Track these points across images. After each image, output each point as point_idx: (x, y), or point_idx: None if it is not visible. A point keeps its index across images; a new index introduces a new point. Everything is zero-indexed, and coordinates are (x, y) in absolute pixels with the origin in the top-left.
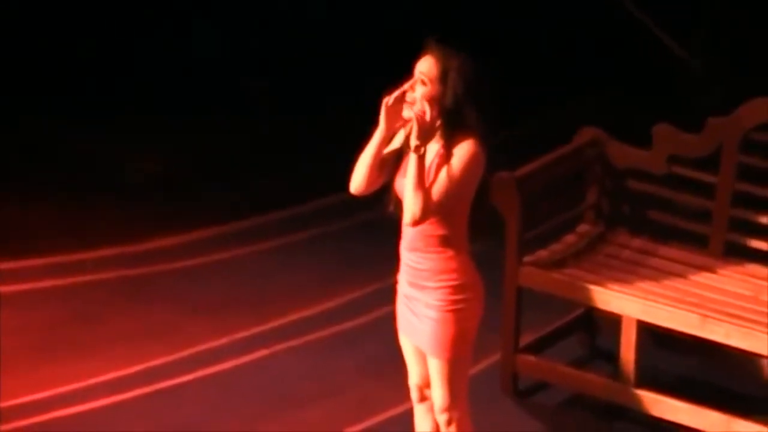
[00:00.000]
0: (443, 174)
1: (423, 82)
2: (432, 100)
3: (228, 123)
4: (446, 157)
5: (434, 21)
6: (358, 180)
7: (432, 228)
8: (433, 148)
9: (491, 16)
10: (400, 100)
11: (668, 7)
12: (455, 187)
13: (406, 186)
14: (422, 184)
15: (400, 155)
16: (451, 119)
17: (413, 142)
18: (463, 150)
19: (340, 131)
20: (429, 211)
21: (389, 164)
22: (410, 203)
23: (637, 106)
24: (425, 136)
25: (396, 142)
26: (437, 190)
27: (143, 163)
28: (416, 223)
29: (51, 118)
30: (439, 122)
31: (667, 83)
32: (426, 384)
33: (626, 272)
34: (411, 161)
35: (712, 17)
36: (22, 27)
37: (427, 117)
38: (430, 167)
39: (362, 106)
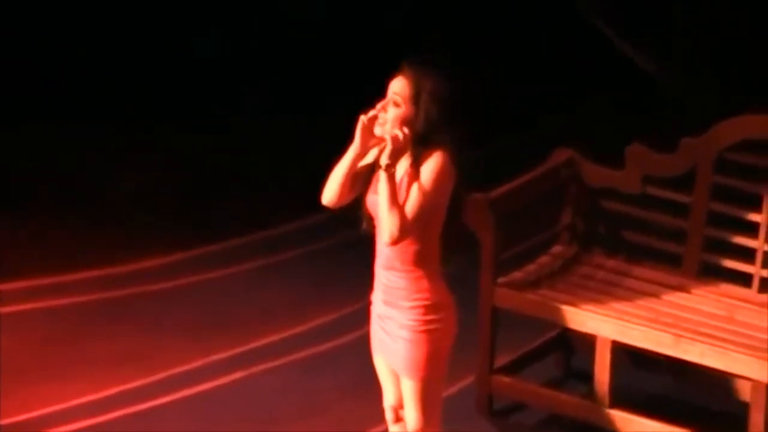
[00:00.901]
0: (414, 190)
1: (396, 103)
2: (405, 121)
3: (202, 146)
4: (415, 173)
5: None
6: (330, 193)
7: (407, 244)
8: (403, 165)
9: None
10: (376, 118)
11: (643, 28)
12: (428, 200)
13: (380, 206)
14: (396, 202)
15: (371, 171)
16: (422, 139)
17: (384, 161)
18: (432, 164)
19: (313, 154)
20: (407, 228)
21: (362, 179)
22: (387, 223)
23: (611, 126)
24: (397, 156)
25: (369, 157)
26: (411, 207)
27: (121, 185)
28: (396, 242)
29: (29, 138)
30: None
31: (641, 102)
32: (401, 405)
33: (601, 293)
34: (382, 181)
35: (688, 37)
36: None
37: (400, 137)
38: (400, 184)
39: (334, 131)
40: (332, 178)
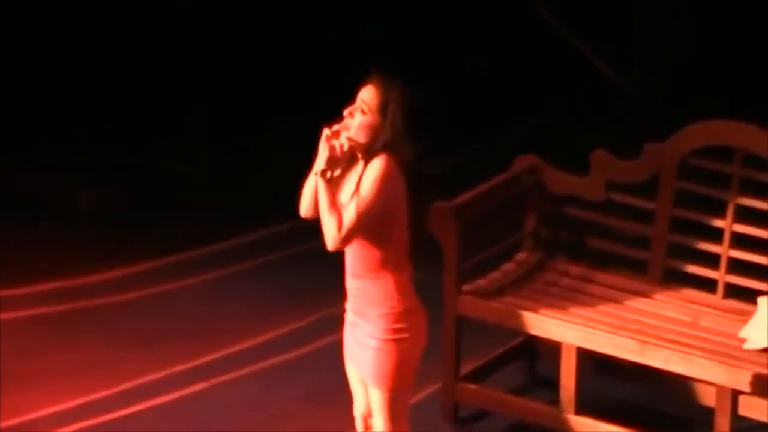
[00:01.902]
0: (356, 196)
1: (363, 111)
2: (369, 129)
3: (165, 156)
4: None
5: (369, 49)
6: (305, 205)
7: (370, 252)
8: (358, 170)
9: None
10: (339, 132)
11: (604, 34)
12: (366, 205)
13: (320, 212)
14: (334, 208)
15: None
16: (383, 148)
17: (318, 166)
18: (371, 169)
19: (279, 161)
20: (347, 234)
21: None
22: (326, 228)
23: (573, 132)
24: (334, 163)
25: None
26: (350, 213)
27: (82, 196)
28: (337, 247)
29: None
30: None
31: (603, 108)
32: (370, 413)
33: (565, 299)
34: (319, 187)
35: (649, 42)
36: None
37: (336, 148)
38: (354, 191)
39: (302, 137)
40: (305, 191)
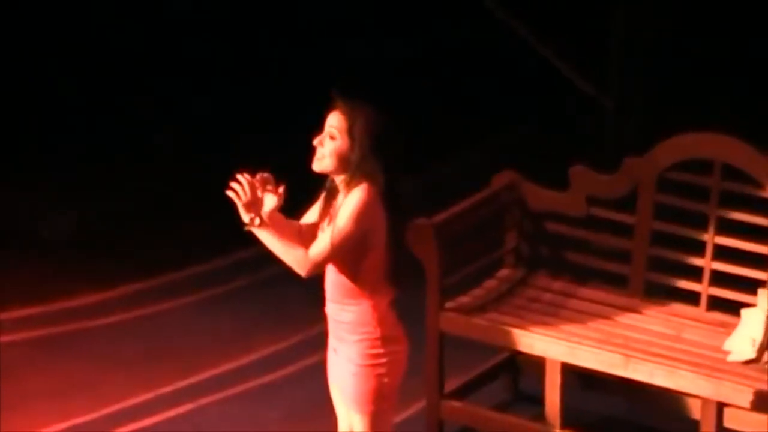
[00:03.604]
0: (332, 224)
1: (332, 137)
2: (342, 154)
3: (139, 176)
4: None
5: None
6: (293, 266)
7: (345, 279)
8: (341, 199)
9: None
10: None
11: (579, 48)
12: (341, 236)
13: (278, 255)
14: (285, 246)
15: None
16: (356, 172)
17: (245, 219)
18: (351, 199)
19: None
20: (319, 260)
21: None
22: (290, 264)
23: (550, 148)
24: (251, 207)
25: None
26: (324, 241)
27: (58, 221)
28: (308, 275)
29: None
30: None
31: (579, 123)
32: None
33: (548, 315)
34: (259, 236)
35: (625, 56)
36: None
37: (242, 197)
38: (332, 217)
39: (284, 155)
40: (283, 258)
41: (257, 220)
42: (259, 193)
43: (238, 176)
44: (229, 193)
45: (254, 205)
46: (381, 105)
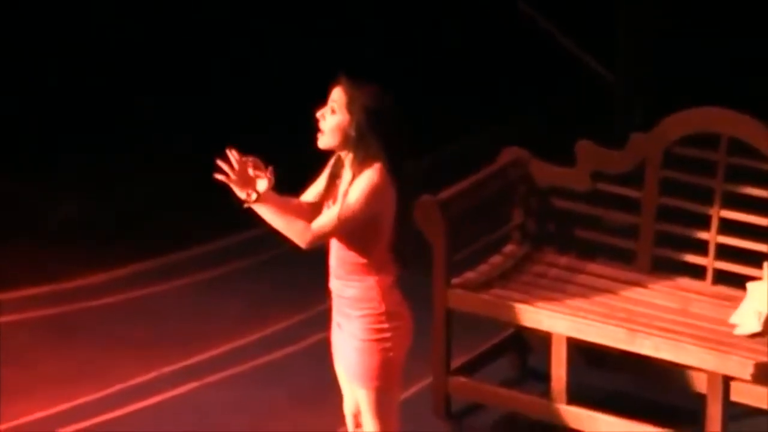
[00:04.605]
0: (340, 201)
1: (333, 111)
2: (342, 128)
3: (143, 159)
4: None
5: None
6: (294, 239)
7: (351, 256)
8: (347, 176)
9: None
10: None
11: (588, 28)
12: (350, 213)
13: (279, 229)
14: (288, 216)
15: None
16: (357, 148)
17: (241, 197)
18: (361, 180)
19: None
20: (322, 233)
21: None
22: (292, 237)
23: (560, 128)
24: (244, 184)
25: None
26: (332, 214)
27: (61, 204)
28: (308, 246)
29: None
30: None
31: (589, 103)
32: (360, 411)
33: (554, 290)
34: (259, 211)
35: (633, 36)
36: None
37: (232, 176)
38: (343, 196)
39: (292, 136)
40: (283, 232)
41: (254, 195)
42: (250, 171)
43: (226, 152)
44: (219, 176)
45: (247, 181)
46: (385, 86)
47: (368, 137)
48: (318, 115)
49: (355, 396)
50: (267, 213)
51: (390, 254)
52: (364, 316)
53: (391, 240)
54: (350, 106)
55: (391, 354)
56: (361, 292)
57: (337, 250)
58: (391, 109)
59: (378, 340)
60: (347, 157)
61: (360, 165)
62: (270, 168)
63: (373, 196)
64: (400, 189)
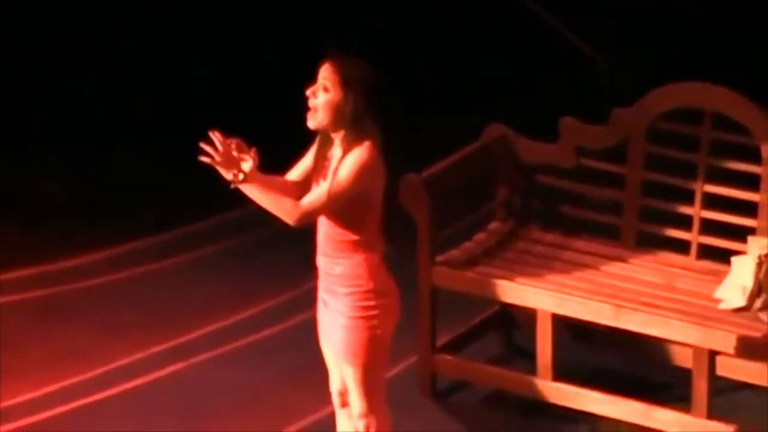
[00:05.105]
0: (330, 178)
1: (325, 89)
2: (334, 106)
3: (130, 141)
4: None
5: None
6: (283, 217)
7: (339, 233)
8: (337, 154)
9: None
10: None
11: (573, 5)
12: (339, 189)
13: (266, 207)
14: (274, 194)
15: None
16: (351, 126)
17: (228, 179)
18: (352, 157)
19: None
20: (311, 209)
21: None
22: (280, 215)
23: (542, 104)
24: (229, 165)
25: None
26: (321, 190)
27: (47, 185)
28: (296, 223)
29: None
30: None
31: (574, 80)
32: (347, 390)
33: (540, 267)
34: (246, 191)
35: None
36: None
37: (217, 158)
38: (334, 172)
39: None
40: (272, 210)
41: (241, 175)
42: (234, 153)
43: (210, 134)
44: (204, 159)
45: (232, 162)
46: (374, 62)
47: (363, 115)
48: (308, 93)
49: (342, 374)
50: (254, 192)
51: (378, 232)
52: (351, 293)
53: (380, 218)
54: (345, 83)
55: (378, 331)
56: (348, 269)
57: (325, 228)
58: (385, 87)
59: (365, 318)
60: (338, 136)
61: (351, 143)
62: (254, 149)
63: (364, 173)
64: (391, 167)
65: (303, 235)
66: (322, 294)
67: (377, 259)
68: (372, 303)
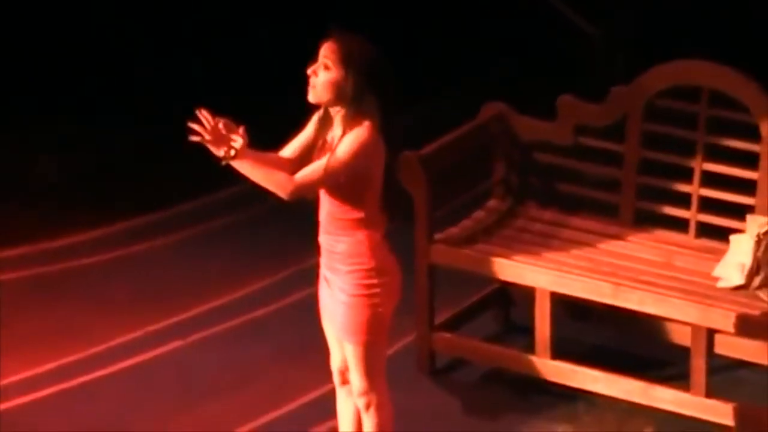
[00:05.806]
0: (328, 155)
1: (326, 67)
2: (335, 84)
3: (124, 119)
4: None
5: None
6: (278, 192)
7: (340, 211)
8: (337, 133)
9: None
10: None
11: None
12: (337, 166)
13: (260, 182)
14: (267, 168)
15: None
16: (351, 104)
17: (219, 156)
18: (352, 135)
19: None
20: (306, 183)
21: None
22: (273, 189)
23: (540, 82)
24: (219, 142)
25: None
26: (318, 165)
27: (40, 164)
28: (291, 197)
29: None
30: (341, 109)
31: (570, 57)
32: (347, 367)
33: (538, 245)
34: (238, 167)
35: None
36: None
37: (206, 136)
38: (333, 150)
39: (275, 96)
40: (264, 185)
41: (232, 152)
42: (223, 131)
43: (197, 113)
44: (193, 138)
45: (222, 139)
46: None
47: (364, 93)
48: (309, 71)
49: (342, 352)
50: (246, 167)
51: (380, 210)
52: (353, 271)
53: (381, 196)
54: (346, 62)
55: (380, 309)
56: (350, 247)
57: (327, 206)
58: (386, 65)
59: (367, 296)
60: (337, 114)
61: (351, 121)
62: (242, 126)
63: (362, 152)
64: (390, 144)
65: (298, 214)
66: (324, 272)
67: (379, 237)
68: (374, 281)
